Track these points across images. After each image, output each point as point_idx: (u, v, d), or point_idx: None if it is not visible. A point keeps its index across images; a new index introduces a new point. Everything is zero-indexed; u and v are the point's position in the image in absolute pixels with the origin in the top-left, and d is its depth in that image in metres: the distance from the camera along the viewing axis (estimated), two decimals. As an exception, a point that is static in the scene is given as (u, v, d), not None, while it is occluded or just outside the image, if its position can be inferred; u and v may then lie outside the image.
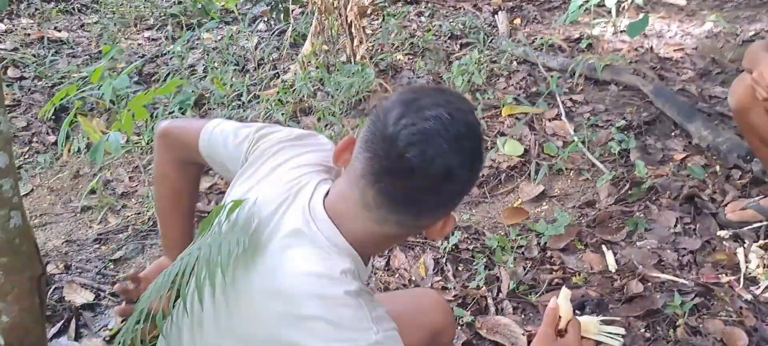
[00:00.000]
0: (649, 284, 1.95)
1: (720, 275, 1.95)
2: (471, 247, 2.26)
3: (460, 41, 4.37)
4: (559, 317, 1.08)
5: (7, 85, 3.96)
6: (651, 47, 3.89)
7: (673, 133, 2.87)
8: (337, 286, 0.96)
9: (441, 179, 0.94)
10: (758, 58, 1.87)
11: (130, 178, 3.20)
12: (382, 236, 1.04)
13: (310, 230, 1.02)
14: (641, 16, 4.26)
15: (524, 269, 2.08)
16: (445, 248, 2.23)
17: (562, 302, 1.10)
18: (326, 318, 0.95)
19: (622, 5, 4.31)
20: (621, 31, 4.15)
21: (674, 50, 3.84)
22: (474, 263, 2.14)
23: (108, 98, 1.89)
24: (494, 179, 2.74)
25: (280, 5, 4.85)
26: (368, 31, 4.60)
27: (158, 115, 3.52)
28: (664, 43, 3.98)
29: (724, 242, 2.10)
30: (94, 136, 2.01)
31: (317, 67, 3.80)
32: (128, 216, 2.89)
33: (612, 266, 2.06)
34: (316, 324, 0.95)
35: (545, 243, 2.20)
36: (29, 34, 4.62)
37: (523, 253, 2.18)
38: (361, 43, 3.83)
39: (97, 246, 2.67)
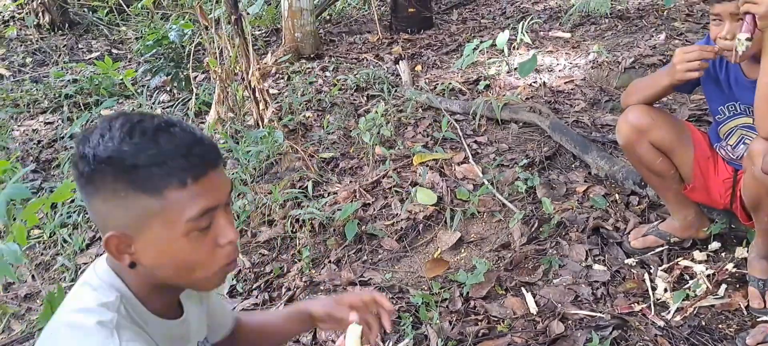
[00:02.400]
0: (569, 322, 2.03)
1: (633, 305, 2.06)
2: (397, 306, 2.27)
3: (366, 93, 4.45)
4: None
5: None
6: (544, 82, 4.11)
7: (573, 166, 3.04)
8: (90, 317, 1.01)
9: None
10: (636, 87, 2.05)
11: (33, 276, 3.01)
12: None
13: (89, 277, 1.10)
14: (531, 52, 4.51)
15: (450, 324, 2.12)
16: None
17: (349, 340, 1.15)
18: (72, 339, 1.01)
19: (513, 44, 4.55)
20: (514, 69, 4.37)
21: (565, 83, 4.08)
22: (401, 324, 2.15)
23: (2, 213, 1.77)
24: (412, 230, 2.79)
25: (180, 73, 4.78)
26: (274, 92, 4.61)
27: (59, 204, 3.35)
28: (555, 76, 4.22)
29: (632, 270, 2.22)
30: None
31: (224, 136, 3.75)
32: (33, 321, 2.72)
33: (533, 308, 2.13)
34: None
35: (468, 293, 2.25)
36: None
37: (447, 306, 2.22)
38: (266, 106, 3.82)
39: (1, 359, 2.49)
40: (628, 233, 2.37)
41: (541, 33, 5.22)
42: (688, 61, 1.83)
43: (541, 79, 4.19)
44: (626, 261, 2.26)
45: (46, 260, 3.11)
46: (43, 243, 3.23)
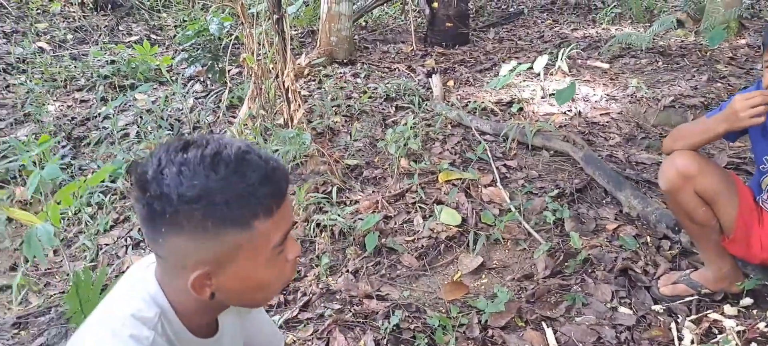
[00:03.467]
0: (589, 362, 1.98)
1: (655, 352, 2.00)
2: (412, 326, 2.23)
3: (395, 103, 4.43)
4: None
5: None
6: (579, 112, 4.05)
7: (604, 201, 2.97)
8: (127, 328, 1.00)
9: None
10: (682, 133, 1.98)
11: (55, 253, 3.03)
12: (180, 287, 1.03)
13: (135, 284, 1.08)
14: (568, 80, 4.46)
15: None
16: (386, 329, 2.20)
17: None
18: None
19: (550, 70, 4.50)
20: (550, 95, 4.31)
21: (601, 114, 4.01)
22: (416, 344, 2.11)
23: (31, 191, 1.78)
24: (433, 250, 2.75)
25: (216, 66, 4.80)
26: (305, 93, 4.61)
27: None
28: (591, 106, 4.16)
29: (658, 317, 2.15)
30: (30, 221, 1.89)
31: (255, 131, 3.75)
32: (52, 296, 2.73)
33: (553, 344, 2.08)
34: None
35: (486, 321, 2.21)
36: (-54, 97, 4.39)
37: (464, 332, 2.17)
38: (298, 107, 3.82)
39: (15, 331, 2.50)
40: (658, 278, 2.30)
41: (579, 61, 5.15)
42: (752, 106, 1.77)
43: (576, 108, 4.12)
44: (653, 307, 2.20)
45: (68, 236, 3.13)
46: (68, 220, 3.25)
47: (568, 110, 4.13)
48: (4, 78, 4.87)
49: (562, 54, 4.21)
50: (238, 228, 0.96)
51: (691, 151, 1.94)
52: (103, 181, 3.35)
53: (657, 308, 2.19)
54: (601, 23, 6.60)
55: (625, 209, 2.81)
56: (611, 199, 2.96)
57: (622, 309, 2.19)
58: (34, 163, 3.06)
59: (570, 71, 4.91)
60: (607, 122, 3.95)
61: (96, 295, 1.87)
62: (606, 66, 5.01)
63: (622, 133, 3.76)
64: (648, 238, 2.57)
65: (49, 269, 2.92)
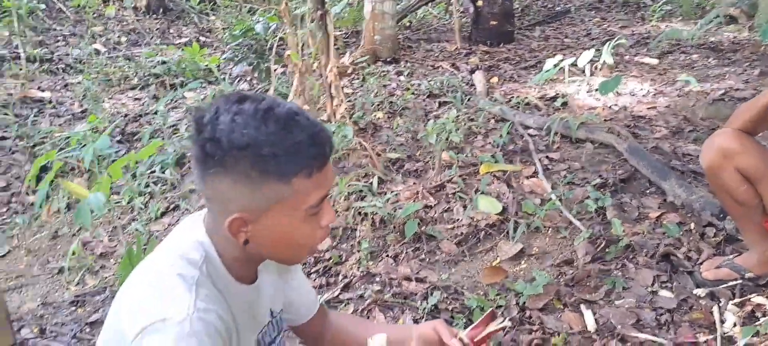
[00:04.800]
0: (628, 344, 1.96)
1: (697, 335, 1.96)
2: (451, 307, 2.26)
3: (438, 100, 4.45)
4: None
5: (-13, 146, 3.96)
6: (624, 106, 4.00)
7: (648, 191, 2.93)
8: (174, 267, 1.07)
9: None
10: (740, 109, 1.94)
11: (109, 238, 3.17)
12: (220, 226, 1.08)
13: (184, 231, 1.15)
14: (614, 75, 4.40)
15: (504, 330, 2.09)
16: (424, 309, 2.23)
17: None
18: (152, 285, 1.06)
19: (595, 65, 4.45)
20: (595, 90, 4.27)
21: (647, 108, 3.95)
22: (453, 324, 2.14)
23: (88, 161, 1.90)
24: (473, 237, 2.76)
25: (262, 65, 4.93)
26: (348, 91, 4.68)
27: (139, 174, 3.52)
28: (637, 101, 4.09)
29: (700, 301, 2.12)
30: (81, 194, 2.01)
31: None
32: (106, 277, 2.86)
33: (591, 325, 2.07)
34: (142, 288, 1.07)
35: (524, 303, 2.21)
36: (12, 94, 4.63)
37: (502, 313, 2.19)
38: (341, 102, 3.89)
39: (73, 309, 2.63)
40: (701, 263, 2.26)
41: (627, 57, 5.08)
42: None
43: (621, 102, 4.07)
44: (695, 291, 2.16)
45: (122, 224, 3.27)
46: (121, 208, 3.40)
47: (614, 104, 4.08)
48: (63, 77, 5.12)
49: (608, 47, 4.16)
50: (279, 182, 1.02)
51: (733, 129, 1.91)
52: (152, 171, 3.49)
53: (699, 292, 2.15)
54: (651, 20, 6.47)
55: (669, 199, 2.76)
56: (655, 189, 2.92)
57: (663, 293, 2.17)
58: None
59: (616, 67, 4.84)
60: (654, 116, 3.88)
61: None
62: (654, 62, 4.92)
63: (668, 127, 3.69)
64: (692, 225, 2.53)
65: (103, 252, 3.06)
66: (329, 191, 1.08)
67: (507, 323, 1.26)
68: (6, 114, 4.29)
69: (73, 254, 2.93)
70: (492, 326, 1.24)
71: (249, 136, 0.99)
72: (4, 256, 3.01)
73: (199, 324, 1.00)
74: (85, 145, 3.40)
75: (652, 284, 2.22)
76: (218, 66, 5.24)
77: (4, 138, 4.08)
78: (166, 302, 1.01)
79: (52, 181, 2.62)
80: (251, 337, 1.20)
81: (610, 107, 4.02)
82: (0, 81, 4.85)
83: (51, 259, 2.98)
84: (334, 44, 4.09)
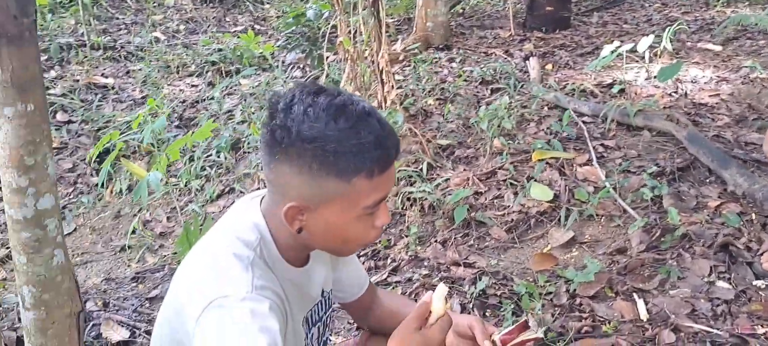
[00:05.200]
0: (682, 334, 1.91)
1: (756, 326, 1.90)
2: (499, 292, 2.25)
3: (490, 86, 4.41)
4: (430, 312, 1.10)
5: (56, 129, 4.15)
6: (685, 93, 3.87)
7: (707, 180, 2.84)
8: (230, 247, 1.10)
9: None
10: None
11: (168, 218, 3.29)
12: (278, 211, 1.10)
13: (240, 212, 1.18)
14: (675, 61, 4.26)
15: (553, 316, 2.07)
16: (472, 293, 2.23)
17: (436, 299, 1.11)
18: (210, 266, 1.09)
19: (655, 51, 4.31)
20: (654, 77, 4.14)
21: (709, 96, 3.81)
22: (501, 309, 2.13)
23: (147, 141, 1.98)
24: (523, 224, 2.74)
25: (314, 52, 4.99)
26: (399, 77, 4.69)
27: (196, 157, 3.63)
28: (699, 88, 3.95)
29: (760, 292, 2.04)
30: (139, 173, 2.11)
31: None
32: (165, 256, 2.97)
33: (643, 314, 2.03)
34: (200, 267, 1.11)
35: (575, 290, 2.18)
36: (78, 80, 4.84)
37: (551, 300, 2.16)
38: (391, 88, 3.90)
39: (134, 285, 2.75)
40: (762, 254, 2.18)
41: (689, 43, 4.90)
42: None
43: (682, 89, 3.94)
44: (755, 282, 2.09)
45: (180, 205, 3.38)
46: (180, 190, 3.52)
47: (674, 92, 3.95)
48: (125, 64, 5.31)
49: (668, 33, 4.03)
50: (338, 179, 1.03)
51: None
52: (208, 155, 3.59)
53: (759, 283, 2.08)
54: (715, 6, 6.22)
55: (729, 188, 2.67)
56: (715, 178, 2.82)
57: (721, 283, 2.10)
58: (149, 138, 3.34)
59: (678, 54, 4.68)
60: (716, 103, 3.74)
61: (204, 239, 2.05)
62: (718, 48, 4.73)
63: (731, 115, 3.55)
64: (753, 215, 2.44)
65: (162, 232, 3.18)
66: (388, 193, 1.10)
67: (540, 335, 1.25)
68: (72, 99, 4.48)
69: (133, 232, 3.05)
70: (525, 335, 1.23)
71: (317, 130, 1.00)
72: (70, 233, 3.17)
73: (260, 300, 1.03)
74: (144, 129, 3.53)
75: (709, 275, 2.15)
76: (272, 53, 5.33)
77: (70, 122, 4.27)
78: (225, 281, 1.04)
79: (113, 162, 2.74)
80: (300, 315, 1.23)
81: (669, 95, 3.90)
82: (67, 67, 5.07)
83: (114, 237, 3.12)
84: (386, 31, 4.10)
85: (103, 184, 3.14)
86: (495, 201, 2.94)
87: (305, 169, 1.03)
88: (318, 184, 1.03)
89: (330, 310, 1.36)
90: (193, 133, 2.48)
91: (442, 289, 1.13)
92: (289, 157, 1.03)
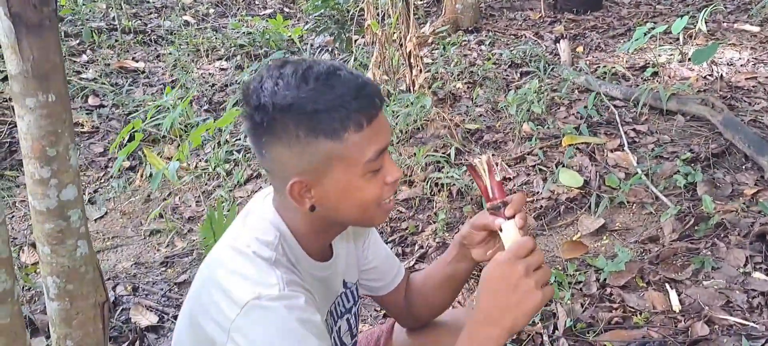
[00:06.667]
0: (716, 326, 1.87)
1: (793, 320, 1.85)
2: (527, 281, 2.22)
3: (520, 70, 4.35)
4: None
5: (87, 113, 4.21)
6: (721, 76, 3.76)
7: (743, 167, 2.76)
8: (250, 248, 1.08)
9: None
10: None
11: (197, 203, 3.32)
12: (287, 198, 1.08)
13: (254, 213, 1.16)
14: (710, 43, 4.13)
15: (582, 306, 2.04)
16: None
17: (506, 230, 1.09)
18: (234, 271, 1.07)
19: (690, 32, 4.19)
20: (688, 59, 4.03)
21: (746, 79, 3.70)
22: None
23: (167, 129, 1.99)
24: (553, 210, 2.70)
25: (343, 35, 4.97)
26: (428, 60, 4.65)
27: (222, 142, 3.65)
28: (735, 71, 3.84)
29: (798, 284, 1.99)
30: (157, 164, 2.13)
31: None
32: (194, 240, 3.00)
33: (676, 305, 1.99)
34: (225, 272, 1.08)
35: (605, 279, 2.15)
36: (109, 64, 4.90)
37: (581, 289, 2.13)
38: (420, 72, 3.87)
39: (163, 269, 2.78)
40: (800, 244, 2.11)
41: (725, 24, 4.76)
42: None
43: (718, 72, 3.82)
44: (793, 274, 2.03)
45: (209, 189, 3.41)
46: (208, 175, 3.55)
47: (709, 75, 3.84)
48: (155, 48, 5.35)
49: (704, 14, 3.91)
50: (329, 139, 1.00)
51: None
52: (237, 139, 3.61)
53: (798, 274, 2.02)
54: (754, -16, 6.02)
55: (767, 175, 2.59)
56: (752, 164, 2.74)
57: (757, 275, 2.04)
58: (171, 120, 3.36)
59: (713, 35, 4.54)
60: (753, 87, 3.63)
61: (227, 227, 2.06)
62: (755, 29, 4.59)
63: (770, 98, 3.44)
64: (792, 204, 2.36)
65: (191, 216, 3.21)
66: (386, 144, 1.06)
67: (485, 156, 1.14)
68: (103, 84, 4.54)
69: (159, 217, 3.09)
70: (486, 173, 1.12)
71: (291, 97, 0.99)
72: (102, 217, 3.22)
73: (294, 296, 1.02)
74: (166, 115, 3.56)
75: (745, 265, 2.10)
76: (301, 37, 5.32)
77: (102, 106, 4.32)
78: (254, 283, 1.03)
79: (133, 150, 2.77)
80: (325, 308, 1.22)
81: (704, 78, 3.79)
82: (98, 52, 5.13)
83: (143, 222, 3.16)
84: (415, 14, 4.06)
85: (118, 169, 3.20)
86: (524, 187, 2.91)
87: (293, 140, 1.01)
88: (311, 151, 1.01)
89: (359, 301, 1.35)
90: (216, 119, 2.49)
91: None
92: (275, 135, 1.02)
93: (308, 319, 1.00)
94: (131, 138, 3.24)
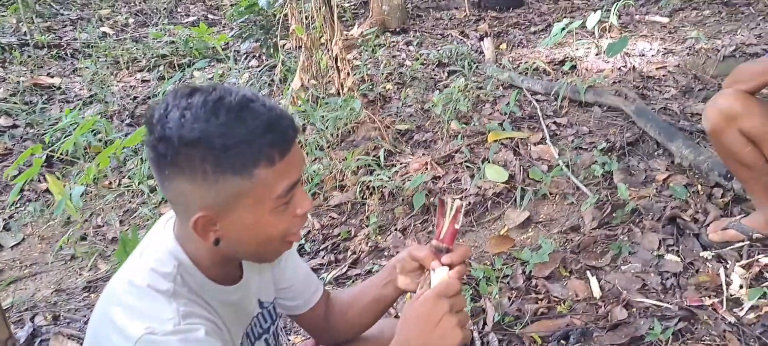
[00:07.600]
0: (634, 309, 1.96)
1: (703, 298, 1.95)
2: (457, 278, 2.26)
3: (447, 69, 4.42)
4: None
5: (-1, 134, 4.01)
6: (633, 66, 3.93)
7: (655, 153, 2.90)
8: (144, 281, 1.03)
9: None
10: (743, 72, 1.88)
11: (120, 222, 3.21)
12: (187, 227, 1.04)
13: (152, 243, 1.11)
14: (622, 36, 4.32)
15: (509, 300, 2.09)
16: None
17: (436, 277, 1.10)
18: (128, 306, 1.02)
19: (604, 26, 4.37)
20: (603, 52, 4.20)
21: (656, 68, 3.88)
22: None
23: (67, 150, 1.93)
24: (480, 206, 2.76)
25: (269, 41, 4.91)
26: (357, 63, 4.66)
27: (145, 158, 3.55)
28: (647, 61, 4.02)
29: (707, 263, 2.10)
30: (58, 192, 2.06)
31: (303, 102, 3.83)
32: (117, 261, 2.90)
33: (596, 292, 2.07)
34: (119, 308, 1.03)
35: (530, 272, 2.21)
36: (21, 82, 4.67)
37: (508, 283, 2.19)
38: (348, 75, 3.87)
39: (86, 294, 2.68)
40: (708, 225, 2.24)
41: (637, 17, 4.98)
42: None
43: (630, 63, 4.00)
44: (702, 254, 2.15)
45: (132, 207, 3.31)
46: (132, 192, 3.44)
47: (623, 66, 4.01)
48: (72, 62, 5.15)
49: (615, 7, 4.08)
50: (238, 175, 0.96)
51: (735, 90, 1.87)
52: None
53: (706, 254, 2.13)
54: (662, -23, 6.32)
55: (676, 160, 2.73)
56: (663, 151, 2.88)
57: (669, 257, 2.15)
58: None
59: (626, 27, 4.75)
60: (664, 76, 3.82)
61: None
62: (665, 20, 4.82)
63: (678, 86, 3.63)
64: (699, 187, 2.50)
65: (114, 237, 3.10)
66: (299, 177, 1.02)
67: (458, 202, 1.15)
68: (15, 103, 4.33)
69: (81, 239, 2.97)
70: (450, 215, 1.15)
71: (199, 131, 0.93)
72: (18, 244, 3.07)
73: (192, 329, 0.98)
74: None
75: (658, 248, 2.20)
76: (226, 44, 5.23)
77: (15, 126, 4.12)
78: (147, 318, 0.98)
79: (31, 176, 2.66)
80: (240, 331, 1.19)
81: (619, 69, 3.96)
82: (9, 69, 4.89)
83: (64, 246, 3.03)
84: (342, 17, 4.06)
85: (12, 203, 3.08)
86: (453, 185, 2.95)
87: (199, 175, 0.95)
88: (218, 187, 0.96)
89: (277, 320, 1.33)
90: (122, 141, 2.41)
91: (442, 272, 1.11)
92: (180, 169, 0.96)
93: None
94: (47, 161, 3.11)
